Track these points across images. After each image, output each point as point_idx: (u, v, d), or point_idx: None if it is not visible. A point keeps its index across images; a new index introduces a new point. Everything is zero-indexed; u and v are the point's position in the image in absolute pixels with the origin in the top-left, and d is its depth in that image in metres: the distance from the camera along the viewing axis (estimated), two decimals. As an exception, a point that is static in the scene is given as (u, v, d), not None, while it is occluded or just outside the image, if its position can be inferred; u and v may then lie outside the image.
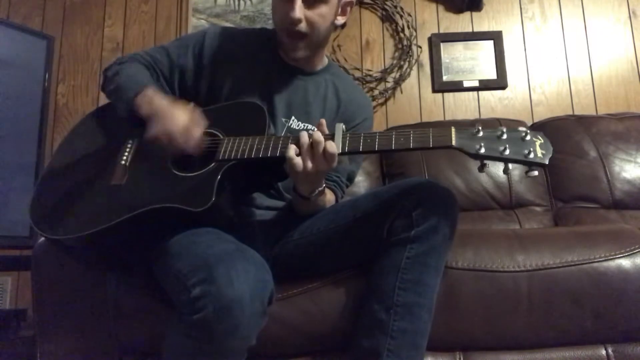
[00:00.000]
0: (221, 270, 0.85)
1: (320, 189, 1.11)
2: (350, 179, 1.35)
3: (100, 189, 1.09)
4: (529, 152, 0.89)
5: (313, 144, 0.99)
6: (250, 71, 1.26)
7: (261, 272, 0.91)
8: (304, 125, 1.25)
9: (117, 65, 1.24)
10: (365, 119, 1.33)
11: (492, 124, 1.97)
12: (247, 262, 0.90)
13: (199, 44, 1.26)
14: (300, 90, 1.27)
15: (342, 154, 1.00)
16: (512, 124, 1.94)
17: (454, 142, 0.93)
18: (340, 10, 1.24)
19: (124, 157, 1.11)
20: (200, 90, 1.26)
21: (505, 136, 0.91)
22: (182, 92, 1.27)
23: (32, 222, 1.08)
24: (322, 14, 1.18)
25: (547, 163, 0.88)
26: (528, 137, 0.91)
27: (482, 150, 0.91)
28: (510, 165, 0.92)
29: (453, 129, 0.94)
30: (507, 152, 0.90)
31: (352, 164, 1.33)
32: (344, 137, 1.01)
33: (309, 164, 0.99)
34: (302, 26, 1.16)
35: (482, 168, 0.93)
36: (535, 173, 0.90)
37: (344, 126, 1.03)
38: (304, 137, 1.00)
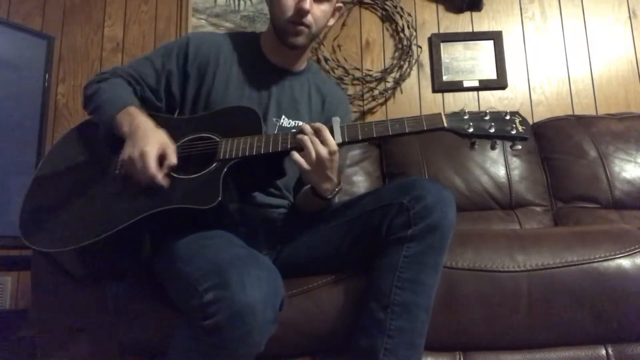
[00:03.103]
0: (234, 275, 0.84)
1: (338, 188, 1.13)
2: (340, 173, 1.37)
3: (95, 199, 1.08)
4: (512, 129, 1.01)
5: (316, 131, 1.03)
6: (237, 73, 1.27)
7: (273, 279, 0.91)
8: (295, 123, 1.27)
9: (96, 84, 1.22)
10: (347, 113, 1.41)
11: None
12: (259, 268, 0.90)
13: (183, 51, 1.26)
14: (287, 89, 1.29)
15: (343, 143, 1.04)
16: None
17: (445, 124, 1.02)
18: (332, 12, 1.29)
19: (119, 167, 1.10)
20: (187, 95, 1.26)
21: (489, 117, 1.02)
22: (169, 97, 1.27)
23: (22, 236, 1.06)
24: (325, 11, 1.23)
25: (528, 137, 1.01)
26: (508, 117, 1.02)
27: (471, 130, 1.01)
28: (497, 142, 1.02)
29: (443, 114, 1.03)
30: (493, 129, 1.01)
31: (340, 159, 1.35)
32: (342, 128, 1.05)
33: (321, 149, 1.02)
34: (309, 18, 1.19)
35: (472, 146, 1.03)
36: (519, 147, 1.01)
37: (339, 119, 1.07)
38: (307, 127, 1.04)
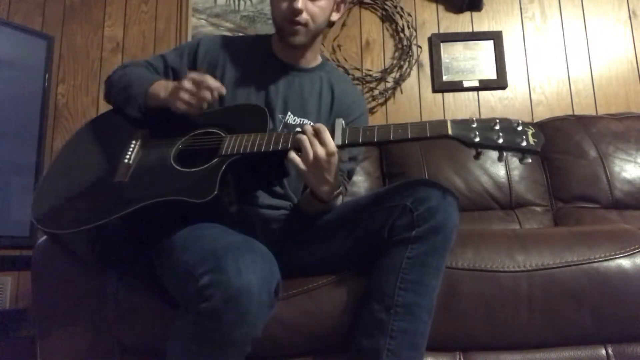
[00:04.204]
0: (229, 260, 0.86)
1: (337, 191, 1.12)
2: (350, 176, 1.37)
3: (103, 186, 1.11)
4: (522, 141, 0.93)
5: (316, 132, 1.02)
6: (246, 72, 1.29)
7: (268, 263, 0.92)
8: (301, 120, 1.27)
9: (122, 70, 1.31)
10: (361, 114, 1.36)
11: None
12: (254, 252, 0.91)
13: (193, 50, 1.32)
14: (296, 86, 1.30)
15: (343, 146, 1.03)
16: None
17: (450, 132, 0.96)
18: (335, 6, 1.30)
19: (128, 156, 1.14)
20: None
21: (498, 126, 0.95)
22: None
23: (33, 218, 1.10)
24: (322, 7, 1.23)
25: (539, 150, 0.92)
26: (520, 127, 0.95)
27: (477, 139, 0.94)
28: (504, 154, 0.95)
29: (449, 121, 0.98)
30: (501, 140, 0.93)
31: (352, 162, 1.35)
32: (343, 130, 1.04)
33: (319, 149, 1.01)
34: (303, 16, 1.20)
35: (477, 156, 0.97)
36: (529, 160, 0.94)
37: (343, 121, 1.06)
38: (307, 127, 1.03)
